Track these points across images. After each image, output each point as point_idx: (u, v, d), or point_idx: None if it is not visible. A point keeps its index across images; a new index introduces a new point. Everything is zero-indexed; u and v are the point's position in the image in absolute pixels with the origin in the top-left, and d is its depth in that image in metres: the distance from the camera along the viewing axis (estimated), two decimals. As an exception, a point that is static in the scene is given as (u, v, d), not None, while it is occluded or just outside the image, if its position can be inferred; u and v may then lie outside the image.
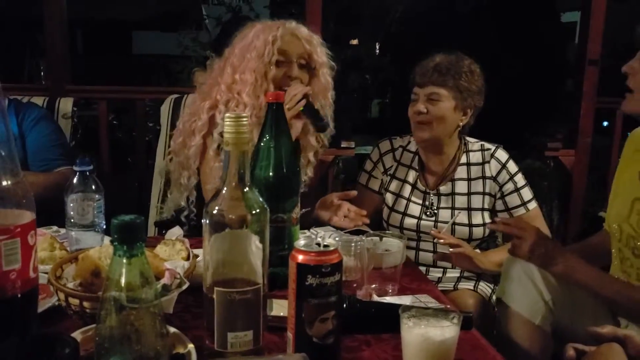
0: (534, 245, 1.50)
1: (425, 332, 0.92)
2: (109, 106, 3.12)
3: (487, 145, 2.08)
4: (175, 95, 2.55)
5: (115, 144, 4.40)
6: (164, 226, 2.07)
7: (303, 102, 1.79)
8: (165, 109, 2.50)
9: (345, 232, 1.63)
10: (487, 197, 2.04)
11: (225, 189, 0.96)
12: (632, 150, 1.67)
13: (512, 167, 2.04)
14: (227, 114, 0.94)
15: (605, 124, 4.41)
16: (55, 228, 1.63)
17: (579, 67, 3.13)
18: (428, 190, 2.08)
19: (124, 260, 0.72)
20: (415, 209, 2.08)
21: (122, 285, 0.73)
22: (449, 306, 1.17)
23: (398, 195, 2.11)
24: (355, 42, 10.27)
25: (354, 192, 1.83)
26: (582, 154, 3.12)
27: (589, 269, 1.51)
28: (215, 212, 0.96)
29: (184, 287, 1.10)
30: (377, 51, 10.61)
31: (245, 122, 0.94)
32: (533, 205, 2.04)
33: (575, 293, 1.57)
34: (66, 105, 2.56)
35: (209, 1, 7.81)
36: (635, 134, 1.69)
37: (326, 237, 0.98)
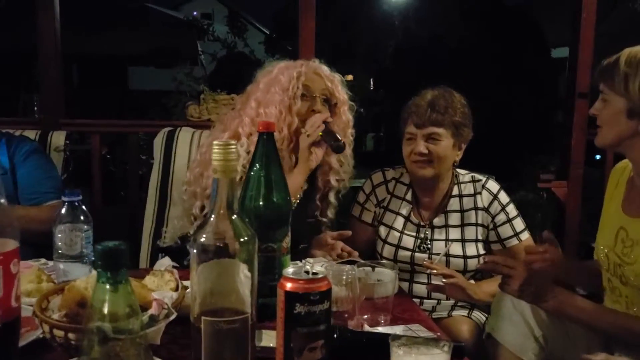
0: (524, 283, 1.51)
1: (415, 361, 0.91)
2: (102, 140, 3.12)
3: (477, 176, 2.08)
4: (169, 128, 2.56)
5: (108, 177, 4.40)
6: (167, 253, 2.08)
7: (322, 127, 1.83)
8: (158, 142, 2.50)
9: (337, 263, 1.62)
10: (480, 228, 2.04)
11: (213, 216, 0.96)
12: (615, 183, 1.71)
13: (504, 197, 2.04)
14: (215, 142, 0.94)
15: (597, 157, 4.46)
16: (43, 260, 1.61)
17: (568, 99, 3.17)
18: (422, 223, 2.07)
19: (108, 287, 0.71)
20: (408, 242, 2.06)
21: (106, 313, 0.71)
22: (439, 334, 1.15)
23: (391, 228, 2.10)
24: (350, 77, 10.41)
25: (349, 232, 1.84)
26: (574, 185, 3.13)
27: (580, 302, 1.52)
28: (202, 240, 0.95)
29: (172, 317, 1.08)
30: (372, 86, 10.75)
31: (233, 150, 0.94)
32: (525, 235, 2.03)
33: (567, 326, 1.56)
34: (59, 138, 2.56)
35: (205, 37, 7.92)
36: (617, 168, 1.74)
37: (315, 265, 0.97)
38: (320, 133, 1.83)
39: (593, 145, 1.69)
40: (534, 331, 1.59)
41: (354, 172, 2.19)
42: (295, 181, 1.82)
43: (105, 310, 0.71)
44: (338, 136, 1.85)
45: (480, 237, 2.04)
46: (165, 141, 2.49)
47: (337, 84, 1.94)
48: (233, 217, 0.96)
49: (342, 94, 1.96)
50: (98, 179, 2.99)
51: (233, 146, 0.94)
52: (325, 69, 1.95)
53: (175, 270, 1.29)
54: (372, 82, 10.81)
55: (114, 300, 0.72)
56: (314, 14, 2.81)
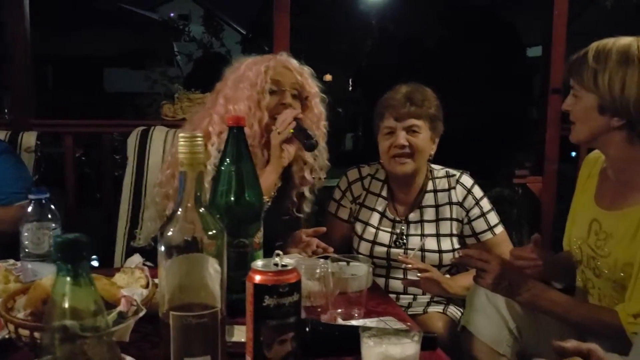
0: (498, 277, 1.51)
1: (385, 350, 0.91)
2: (76, 141, 3.08)
3: (451, 171, 2.09)
4: (142, 128, 2.53)
5: (83, 180, 4.34)
6: (141, 254, 2.05)
7: (293, 124, 1.80)
8: (131, 142, 2.47)
9: (314, 258, 1.62)
10: (454, 223, 2.05)
11: (180, 211, 0.95)
12: (587, 174, 1.71)
13: (478, 192, 2.06)
14: (181, 134, 0.93)
15: (573, 154, 4.51)
16: (12, 261, 1.57)
17: (542, 96, 3.20)
18: (397, 219, 2.08)
19: (68, 280, 0.69)
20: (384, 238, 2.07)
21: (67, 308, 0.69)
22: (409, 323, 1.16)
23: (367, 224, 2.10)
24: (328, 77, 10.42)
25: (323, 229, 1.82)
26: (549, 181, 3.17)
27: (553, 295, 1.52)
28: (170, 234, 0.94)
29: (141, 314, 1.07)
30: (350, 86, 10.78)
31: (200, 142, 0.93)
32: (500, 229, 2.05)
33: (541, 319, 1.58)
34: (29, 139, 2.52)
35: (181, 38, 7.87)
36: (589, 159, 1.74)
37: (286, 258, 0.96)
38: (292, 130, 1.80)
39: (568, 141, 1.69)
40: (508, 323, 1.60)
41: (332, 171, 2.19)
42: (268, 179, 1.79)
43: (66, 305, 0.69)
44: (310, 133, 1.82)
45: (455, 232, 2.05)
46: (138, 140, 2.46)
47: (307, 76, 1.92)
48: (201, 211, 0.95)
49: (312, 87, 1.93)
50: (72, 181, 2.94)
51: (199, 138, 0.93)
52: (294, 62, 1.92)
53: (146, 267, 1.28)
54: (350, 82, 10.84)
55: (76, 295, 0.70)
56: (288, 11, 2.81)
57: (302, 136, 1.81)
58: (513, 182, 3.36)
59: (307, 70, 1.93)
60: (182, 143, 0.93)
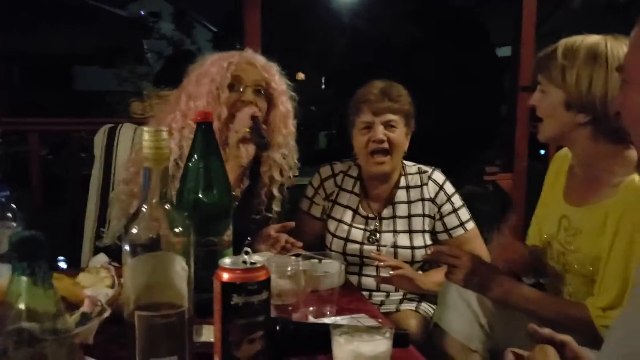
0: (469, 273, 1.52)
1: (356, 348, 0.89)
2: (43, 140, 3.00)
3: (423, 167, 2.10)
4: (110, 125, 2.47)
5: (52, 179, 4.24)
6: (107, 253, 2.00)
7: (249, 123, 1.77)
8: (99, 139, 2.41)
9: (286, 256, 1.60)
10: (427, 219, 2.05)
11: (145, 208, 0.92)
12: (556, 171, 1.73)
13: (449, 188, 2.07)
14: (145, 129, 0.90)
15: (542, 152, 4.57)
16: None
17: (511, 94, 3.23)
18: (370, 215, 2.07)
19: (25, 279, 0.66)
20: (357, 235, 2.06)
21: (23, 308, 0.67)
22: (380, 320, 1.15)
23: (340, 221, 2.09)
24: (302, 76, 10.41)
25: (292, 224, 1.80)
26: (519, 177, 3.20)
27: (524, 290, 1.53)
28: (134, 232, 0.91)
29: (106, 314, 1.04)
30: (323, 85, 10.77)
31: (164, 137, 0.90)
32: (471, 225, 2.06)
33: (512, 314, 1.58)
34: (-8, 137, 2.44)
35: (151, 36, 7.75)
36: (558, 156, 1.76)
37: (254, 255, 0.94)
38: (248, 129, 1.76)
39: (537, 139, 1.71)
40: (479, 319, 1.61)
41: (306, 170, 2.17)
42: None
43: (23, 306, 0.66)
44: (262, 133, 1.79)
45: (427, 228, 2.05)
46: (106, 138, 2.40)
47: (274, 73, 1.87)
48: (167, 207, 0.93)
49: (280, 84, 1.89)
50: (38, 181, 2.86)
51: (164, 133, 0.90)
52: (260, 59, 1.89)
53: (111, 267, 1.25)
54: (323, 81, 10.83)
55: (34, 295, 0.67)
56: (258, 7, 2.77)
57: (255, 135, 1.78)
58: (484, 179, 3.38)
59: (274, 67, 1.89)
60: (146, 138, 0.90)
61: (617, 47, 1.45)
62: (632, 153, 1.50)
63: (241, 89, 1.82)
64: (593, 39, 1.50)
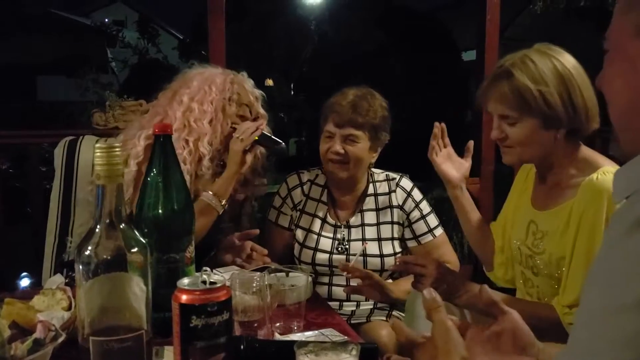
0: (436, 281, 1.51)
1: (321, 368, 0.87)
2: (3, 153, 2.91)
3: (391, 175, 2.09)
4: (70, 137, 2.40)
5: (13, 193, 4.12)
6: (71, 268, 1.94)
7: (258, 132, 1.82)
8: (59, 152, 2.34)
9: (251, 271, 1.56)
10: (395, 226, 2.04)
11: (98, 227, 0.88)
12: (524, 177, 1.75)
13: (417, 194, 2.06)
14: (96, 145, 0.86)
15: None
16: None
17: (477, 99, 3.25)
18: (338, 224, 2.06)
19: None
20: (326, 244, 2.04)
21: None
22: (347, 338, 1.12)
23: (308, 231, 2.07)
24: (270, 82, 10.36)
25: (256, 231, 1.80)
26: (486, 181, 3.22)
27: (492, 294, 1.53)
28: (88, 253, 0.87)
29: (60, 340, 0.99)
30: (292, 91, 10.75)
31: (118, 153, 0.86)
32: (439, 231, 2.06)
33: (480, 320, 1.58)
34: (-54, 151, 2.35)
35: (116, 44, 7.62)
36: (525, 165, 1.77)
37: (214, 275, 0.91)
38: (257, 137, 1.81)
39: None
40: None
41: (276, 178, 2.16)
42: (226, 184, 1.78)
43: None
44: (276, 139, 1.86)
45: (396, 235, 2.04)
46: (66, 151, 2.33)
47: (258, 98, 1.95)
48: (122, 226, 0.89)
49: (262, 110, 1.96)
50: (-2, 195, 2.77)
51: (117, 149, 0.86)
52: (251, 84, 1.97)
53: (68, 288, 1.19)
54: (292, 87, 10.80)
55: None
56: (223, 14, 2.73)
57: (269, 142, 1.86)
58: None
59: (258, 93, 1.97)
60: (98, 154, 0.86)
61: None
62: (584, 151, 1.52)
63: (240, 105, 1.90)
64: (535, 57, 1.49)
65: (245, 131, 1.80)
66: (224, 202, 1.76)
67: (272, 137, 1.86)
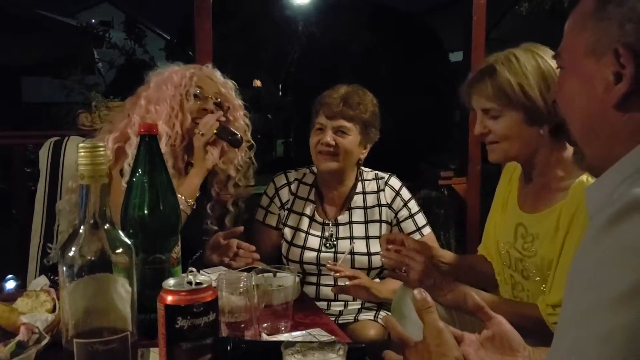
0: (424, 273, 1.51)
1: (308, 368, 0.86)
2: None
3: (380, 174, 2.11)
4: (55, 138, 2.38)
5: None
6: (54, 271, 1.92)
7: (216, 124, 1.79)
8: (44, 153, 2.32)
9: (238, 271, 1.55)
10: (384, 225, 2.05)
11: (82, 228, 0.87)
12: (508, 179, 1.75)
13: (406, 193, 2.07)
14: (80, 145, 0.85)
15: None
16: None
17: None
18: (326, 221, 2.06)
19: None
20: (314, 242, 2.04)
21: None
22: (335, 338, 1.12)
23: (296, 229, 2.07)
24: (258, 83, 10.33)
25: (240, 228, 1.79)
26: (473, 181, 3.23)
27: (480, 294, 1.53)
28: (72, 255, 0.86)
29: (44, 342, 0.97)
30: (280, 92, 10.71)
31: (102, 153, 0.85)
32: (427, 230, 2.06)
33: (466, 322, 1.58)
34: None
35: (103, 45, 7.57)
36: (509, 166, 1.77)
37: (200, 276, 0.90)
38: (215, 131, 1.78)
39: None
40: None
41: (264, 178, 2.15)
42: (192, 183, 1.76)
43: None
44: (233, 130, 1.83)
45: (384, 234, 2.04)
46: (51, 152, 2.31)
47: (229, 89, 1.92)
48: (106, 227, 0.88)
49: (236, 100, 1.93)
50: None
51: (101, 149, 0.85)
52: (218, 75, 1.92)
53: (52, 290, 1.18)
54: (280, 88, 10.77)
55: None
56: (209, 15, 2.72)
57: (225, 134, 1.81)
58: (439, 183, 3.41)
59: (230, 83, 1.93)
60: (82, 154, 0.85)
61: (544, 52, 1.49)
62: (571, 152, 1.52)
63: (203, 99, 1.85)
64: (519, 54, 1.50)
65: (204, 125, 1.79)
66: (190, 202, 1.73)
67: (230, 128, 1.83)
